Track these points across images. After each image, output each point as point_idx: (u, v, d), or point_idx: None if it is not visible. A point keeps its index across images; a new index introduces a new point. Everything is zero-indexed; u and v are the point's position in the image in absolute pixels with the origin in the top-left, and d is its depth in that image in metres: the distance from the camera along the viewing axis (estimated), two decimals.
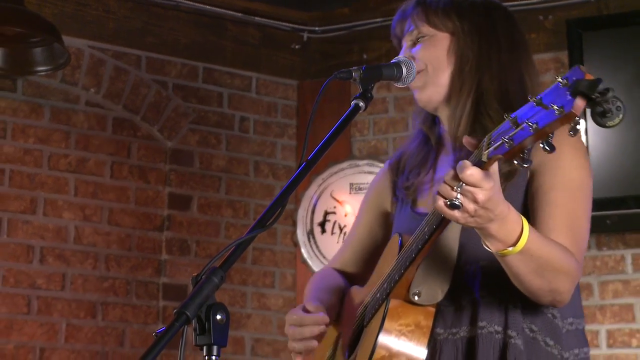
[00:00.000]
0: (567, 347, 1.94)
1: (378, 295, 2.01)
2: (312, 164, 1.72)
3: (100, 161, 4.32)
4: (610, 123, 1.48)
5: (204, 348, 1.50)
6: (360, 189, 4.53)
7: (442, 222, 1.79)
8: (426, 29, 2.11)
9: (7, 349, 4.01)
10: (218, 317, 1.49)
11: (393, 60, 1.99)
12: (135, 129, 4.43)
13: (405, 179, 2.17)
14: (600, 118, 1.47)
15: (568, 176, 1.94)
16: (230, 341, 4.40)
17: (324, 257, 4.52)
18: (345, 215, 4.54)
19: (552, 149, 1.51)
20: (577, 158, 1.96)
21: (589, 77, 1.46)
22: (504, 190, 1.86)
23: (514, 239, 1.75)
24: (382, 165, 4.37)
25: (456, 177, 1.66)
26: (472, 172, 1.64)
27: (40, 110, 4.23)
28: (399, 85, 2.01)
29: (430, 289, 1.92)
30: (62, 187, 4.23)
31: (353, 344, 2.11)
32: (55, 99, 4.27)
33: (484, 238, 1.77)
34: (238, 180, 4.60)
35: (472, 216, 1.69)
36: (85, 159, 4.29)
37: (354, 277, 2.34)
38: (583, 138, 4.09)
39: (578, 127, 1.49)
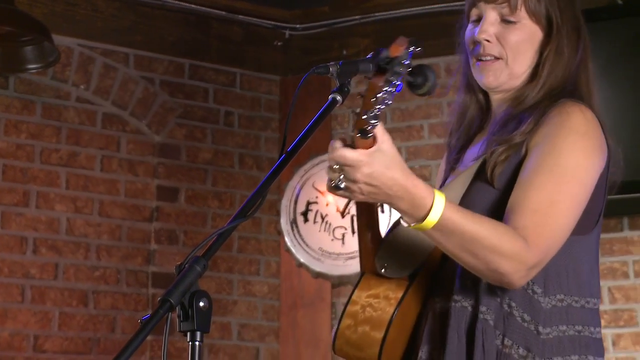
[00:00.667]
0: (547, 323, 1.86)
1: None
2: (291, 156, 1.71)
3: (91, 155, 4.30)
4: (419, 92, 1.67)
5: (188, 334, 1.48)
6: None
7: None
8: (522, 13, 1.97)
9: (2, 337, 4.00)
10: (201, 304, 1.48)
11: (369, 55, 1.96)
12: (124, 124, 4.41)
13: (456, 152, 2.09)
14: (410, 88, 1.66)
15: (556, 160, 1.83)
16: (218, 326, 4.41)
17: (307, 245, 4.52)
18: (327, 205, 4.53)
19: (376, 119, 1.62)
20: (574, 142, 1.86)
21: (400, 50, 1.61)
22: (500, 172, 1.85)
23: (422, 214, 1.71)
24: None
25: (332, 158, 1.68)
26: (340, 153, 1.66)
27: (32, 107, 4.20)
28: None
29: (399, 263, 1.90)
30: (54, 181, 4.20)
31: None
32: (47, 95, 4.24)
33: (400, 215, 1.76)
34: (224, 172, 4.58)
35: (362, 194, 1.69)
36: (76, 153, 4.27)
37: None
38: None
39: (385, 98, 1.60)
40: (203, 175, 4.54)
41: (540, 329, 1.85)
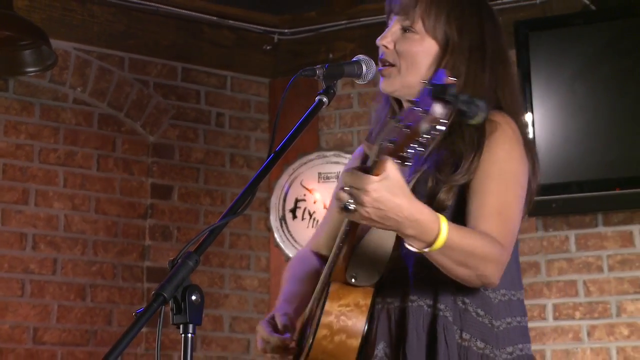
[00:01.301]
0: (498, 317, 1.92)
1: (324, 279, 1.98)
2: (280, 155, 1.71)
3: (88, 155, 4.28)
4: (471, 122, 1.51)
5: (181, 326, 1.48)
6: (327, 177, 4.53)
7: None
8: (419, 27, 2.00)
9: (3, 329, 3.98)
10: (193, 297, 1.48)
11: (354, 59, 1.97)
12: (120, 125, 4.39)
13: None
14: (462, 117, 1.50)
15: (502, 167, 1.88)
16: (210, 319, 4.41)
17: (296, 241, 4.52)
18: (315, 202, 4.53)
19: (424, 148, 1.51)
20: (513, 151, 1.91)
21: (449, 81, 1.49)
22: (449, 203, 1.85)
23: (432, 238, 1.71)
24: (348, 156, 4.37)
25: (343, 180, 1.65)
26: (352, 176, 1.62)
27: (30, 108, 4.19)
28: (360, 82, 1.97)
29: (367, 272, 1.88)
30: (52, 179, 4.19)
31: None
32: (45, 97, 4.22)
33: (405, 240, 1.73)
34: (215, 171, 4.57)
35: (371, 218, 1.66)
36: (73, 152, 4.25)
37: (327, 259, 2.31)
38: (530, 129, 4.11)
39: (440, 127, 1.48)
40: (195, 174, 4.53)
41: (494, 322, 1.91)
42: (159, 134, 4.47)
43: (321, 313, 1.87)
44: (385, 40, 2.01)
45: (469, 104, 1.49)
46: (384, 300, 1.93)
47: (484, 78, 1.99)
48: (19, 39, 3.74)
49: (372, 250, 1.91)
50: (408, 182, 1.87)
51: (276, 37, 4.74)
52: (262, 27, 4.72)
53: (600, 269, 4.08)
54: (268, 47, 4.74)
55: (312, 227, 4.49)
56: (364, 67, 1.94)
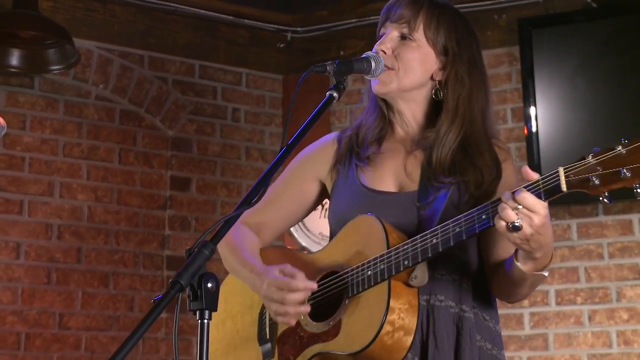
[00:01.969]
0: (497, 322, 2.01)
1: (370, 273, 1.87)
2: (292, 148, 1.70)
3: (109, 149, 4.29)
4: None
5: (197, 312, 1.47)
6: None
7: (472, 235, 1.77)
8: (418, 36, 2.00)
9: (31, 315, 3.99)
10: (209, 285, 1.47)
11: (363, 55, 1.96)
12: (140, 120, 4.39)
13: (365, 150, 2.05)
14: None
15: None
16: None
17: (308, 230, 4.51)
18: None
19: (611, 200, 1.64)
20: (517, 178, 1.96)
21: None
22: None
23: (546, 264, 1.79)
24: None
25: (514, 200, 1.66)
26: (532, 199, 1.66)
27: (55, 105, 4.19)
28: (368, 77, 1.97)
29: (423, 274, 1.87)
30: (76, 172, 4.19)
31: (322, 309, 1.99)
32: (69, 94, 4.23)
33: (523, 259, 1.77)
34: (231, 164, 4.57)
35: (527, 239, 1.70)
36: (96, 147, 4.26)
37: (266, 238, 2.21)
38: (533, 122, 4.09)
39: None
40: (212, 167, 4.53)
41: (496, 326, 1.99)
42: (178, 129, 4.46)
43: (387, 309, 1.82)
44: (384, 46, 2.01)
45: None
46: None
47: (482, 90, 2.01)
48: (44, 39, 3.75)
49: None
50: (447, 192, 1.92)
51: (289, 35, 4.73)
52: (276, 26, 4.71)
53: (600, 256, 4.06)
54: (281, 45, 4.73)
55: (324, 217, 4.48)
56: (373, 64, 1.94)
